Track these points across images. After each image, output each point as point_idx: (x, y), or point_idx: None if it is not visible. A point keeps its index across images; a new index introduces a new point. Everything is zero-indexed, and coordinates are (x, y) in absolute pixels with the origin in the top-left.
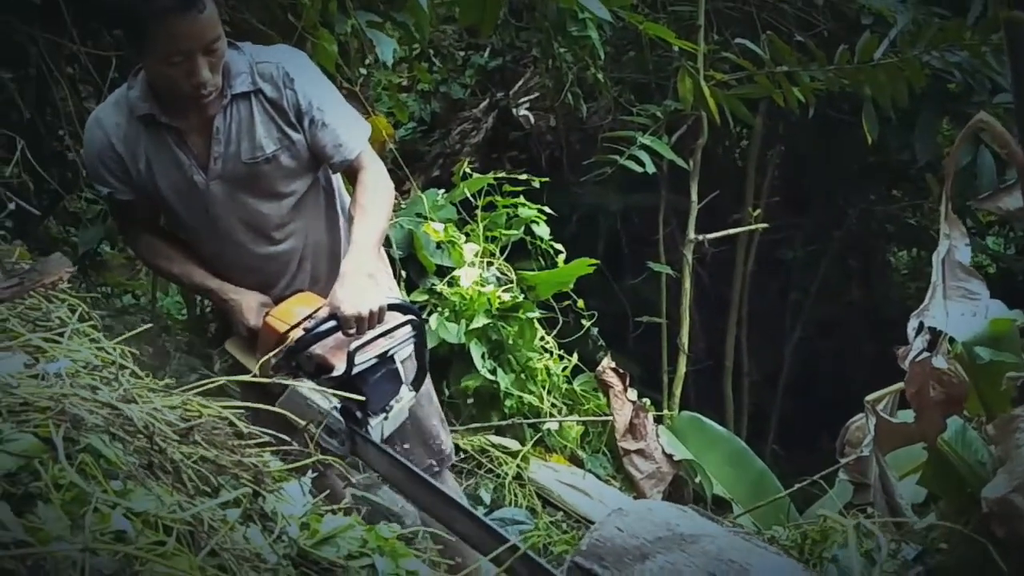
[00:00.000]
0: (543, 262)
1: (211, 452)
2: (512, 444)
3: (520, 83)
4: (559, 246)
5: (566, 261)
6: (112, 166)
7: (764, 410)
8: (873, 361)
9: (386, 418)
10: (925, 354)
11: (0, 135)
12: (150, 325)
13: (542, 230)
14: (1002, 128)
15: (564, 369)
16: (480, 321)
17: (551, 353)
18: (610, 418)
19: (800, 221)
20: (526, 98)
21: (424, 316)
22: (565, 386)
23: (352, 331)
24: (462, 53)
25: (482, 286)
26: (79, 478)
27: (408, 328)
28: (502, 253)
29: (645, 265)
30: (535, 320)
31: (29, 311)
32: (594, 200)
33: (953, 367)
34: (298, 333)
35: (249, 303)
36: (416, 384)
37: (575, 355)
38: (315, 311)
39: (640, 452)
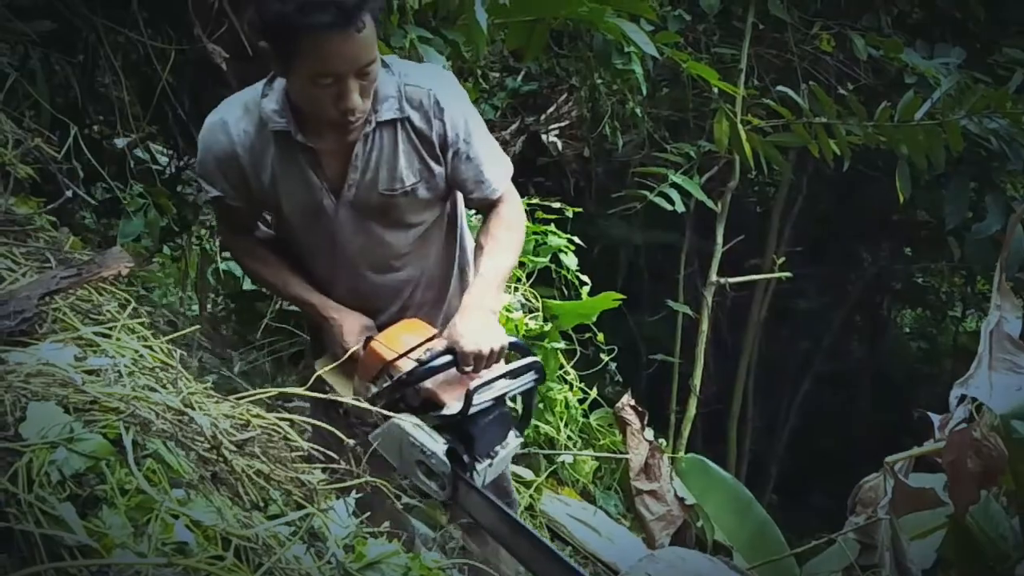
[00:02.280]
0: (566, 292)
1: (267, 466)
2: (526, 474)
3: (552, 109)
4: (585, 277)
5: (589, 294)
6: (230, 173)
7: (763, 458)
8: (872, 419)
9: (491, 464)
10: (965, 424)
11: (49, 119)
12: (197, 327)
13: (570, 260)
14: None
15: (582, 402)
16: None
17: (571, 385)
18: (625, 456)
19: (815, 272)
20: (556, 125)
21: None
22: (582, 419)
23: (469, 368)
24: (496, 75)
25: (510, 312)
26: (146, 484)
27: (530, 372)
28: (528, 279)
29: (663, 303)
30: (558, 351)
31: (80, 302)
32: (617, 234)
33: (992, 439)
34: (408, 364)
35: (352, 325)
36: (521, 429)
37: (594, 389)
38: (426, 341)
39: (653, 493)
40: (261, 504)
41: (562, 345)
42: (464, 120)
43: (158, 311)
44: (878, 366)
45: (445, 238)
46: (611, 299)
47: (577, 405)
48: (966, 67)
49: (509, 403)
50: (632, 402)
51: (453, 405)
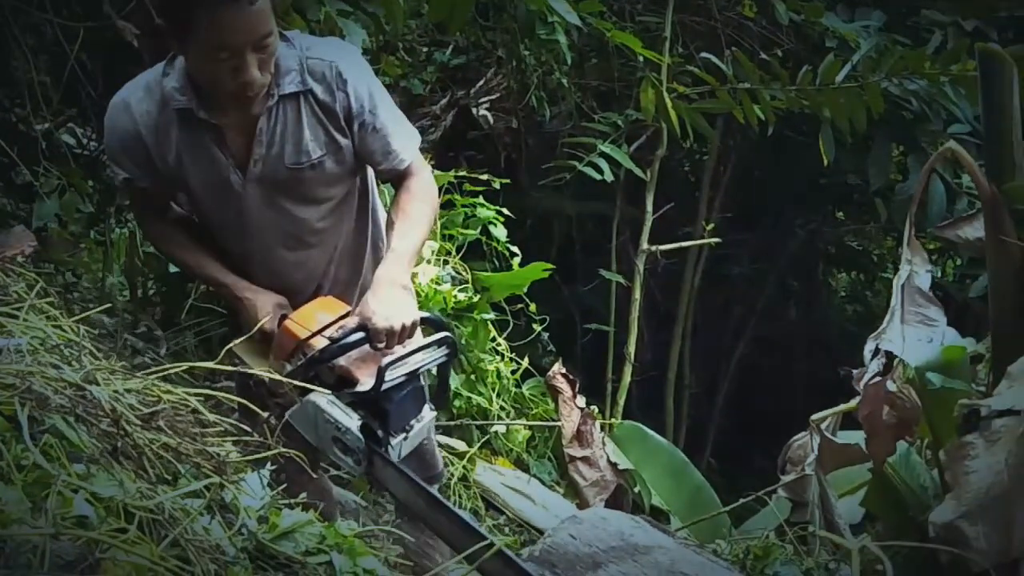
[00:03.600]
0: (497, 264)
1: (174, 439)
2: (459, 445)
3: (481, 83)
4: (515, 249)
5: (520, 265)
6: (135, 154)
7: (702, 423)
8: (808, 381)
9: (406, 438)
10: (880, 377)
11: None
12: (109, 305)
13: (499, 232)
14: (970, 159)
15: (514, 372)
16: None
17: (502, 356)
18: (558, 424)
19: (747, 238)
20: (486, 98)
21: None
22: (514, 389)
23: (382, 345)
24: (425, 49)
25: (438, 284)
26: (43, 459)
27: (443, 347)
28: (458, 252)
29: (596, 272)
30: (489, 322)
31: None
32: (549, 205)
33: (907, 391)
34: (321, 342)
35: (264, 303)
36: (438, 403)
37: (525, 359)
38: (339, 319)
39: (586, 460)
40: (169, 478)
41: (492, 316)
42: (368, 92)
43: (86, 294)
44: (813, 329)
45: (357, 213)
46: (541, 269)
47: (510, 376)
48: (887, 30)
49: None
50: (563, 370)
51: (366, 382)
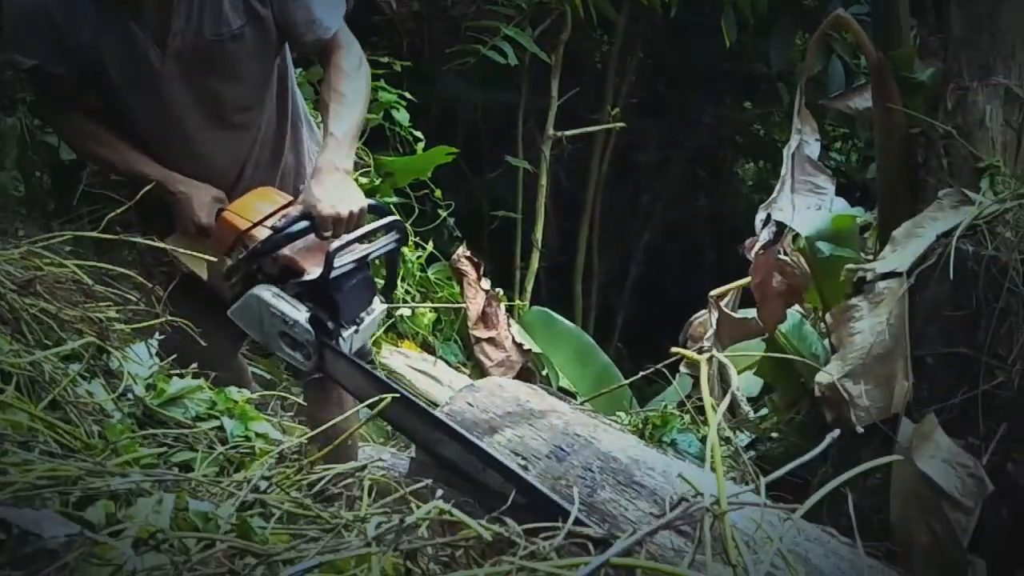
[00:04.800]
0: (401, 150)
1: (53, 305)
2: None
3: None
4: (418, 133)
5: (424, 151)
6: (44, 34)
7: (611, 309)
8: (715, 266)
9: (357, 330)
10: (770, 246)
11: None
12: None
13: (402, 116)
14: (858, 26)
15: (419, 257)
16: None
17: (407, 240)
18: (463, 306)
19: (655, 125)
20: None
21: None
22: (419, 274)
23: (328, 233)
24: None
25: None
26: None
27: (392, 232)
28: (360, 138)
29: (503, 159)
30: (392, 206)
31: None
32: (454, 91)
33: (796, 259)
34: (263, 232)
35: (201, 197)
36: (387, 294)
37: (430, 244)
38: (281, 208)
39: (491, 340)
40: (50, 343)
41: (396, 201)
42: None
43: None
44: (720, 216)
45: (278, 92)
46: (444, 153)
47: (415, 260)
48: None
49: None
50: (468, 253)
51: (313, 271)
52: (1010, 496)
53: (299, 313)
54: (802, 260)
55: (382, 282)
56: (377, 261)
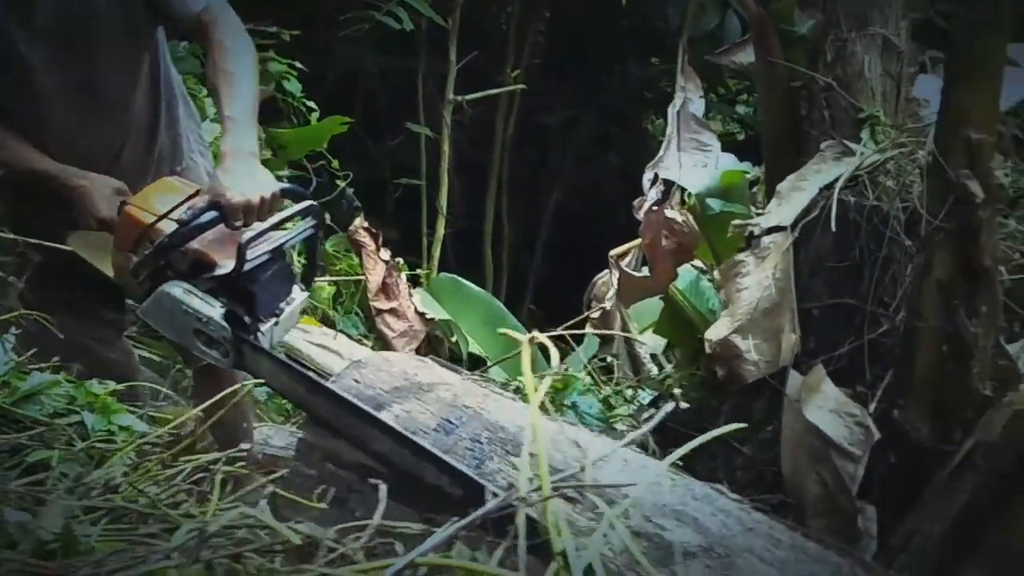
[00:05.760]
0: (296, 121)
1: None
2: None
3: None
4: (312, 104)
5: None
6: None
7: (523, 272)
8: (627, 226)
9: (277, 323)
10: (659, 205)
11: None
12: None
13: (293, 86)
14: None
15: None
16: None
17: None
18: (361, 278)
19: (561, 86)
20: None
21: None
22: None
23: (239, 222)
24: None
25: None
26: None
27: (308, 218)
28: None
29: (404, 127)
30: (284, 179)
31: None
32: (352, 60)
33: (685, 217)
34: (170, 225)
35: (101, 190)
36: (307, 282)
37: (326, 215)
38: (188, 199)
39: (393, 311)
40: None
41: (286, 174)
42: None
43: None
44: (631, 173)
45: (149, 71)
46: (339, 123)
47: None
48: None
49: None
50: (365, 224)
51: (226, 264)
52: (897, 442)
53: (213, 309)
54: (690, 218)
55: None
56: (294, 248)
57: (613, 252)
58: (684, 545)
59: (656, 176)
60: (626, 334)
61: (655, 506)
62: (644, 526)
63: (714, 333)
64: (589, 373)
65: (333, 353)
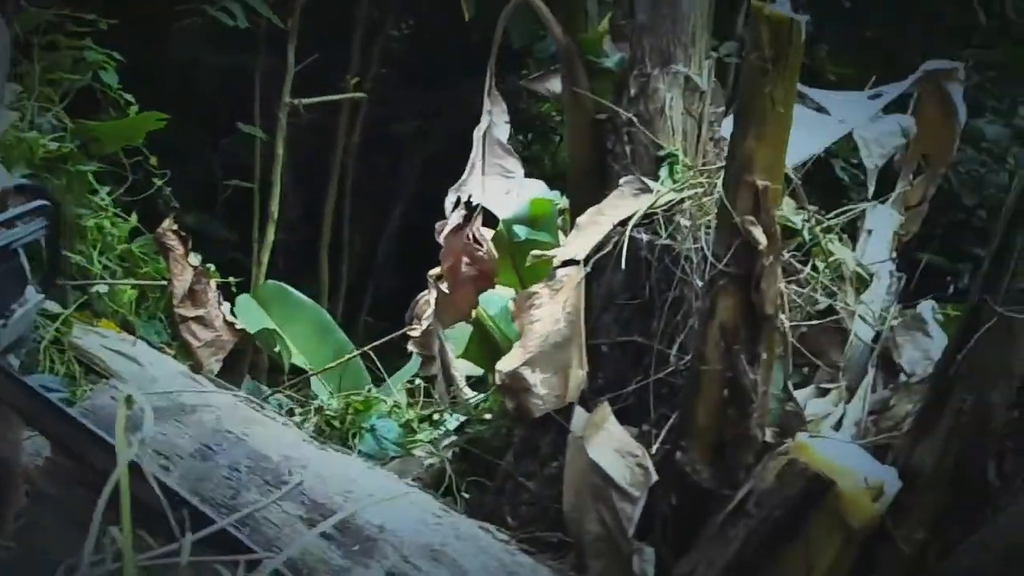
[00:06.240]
0: (113, 115)
1: None
2: (52, 306)
3: None
4: (129, 96)
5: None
6: None
7: (361, 282)
8: None
9: (5, 325)
10: (459, 229)
11: None
12: None
13: (110, 77)
14: (546, 9)
15: (120, 228)
16: (20, 171)
17: (105, 210)
18: (162, 283)
19: (410, 95)
20: None
21: None
22: (121, 247)
23: None
24: None
25: (24, 132)
26: None
27: (40, 219)
28: (62, 100)
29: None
30: (88, 174)
31: None
32: (186, 54)
33: (484, 242)
34: None
35: None
36: (45, 284)
37: (133, 215)
38: None
39: (199, 319)
40: None
41: (93, 168)
42: None
43: None
44: None
45: None
46: (154, 118)
47: (115, 232)
48: None
49: None
50: (175, 227)
51: None
52: (679, 483)
53: None
54: (490, 244)
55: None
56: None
57: (432, 272)
58: None
59: (458, 199)
60: (429, 355)
61: (415, 545)
62: (401, 567)
63: (505, 364)
64: (401, 392)
65: (131, 360)
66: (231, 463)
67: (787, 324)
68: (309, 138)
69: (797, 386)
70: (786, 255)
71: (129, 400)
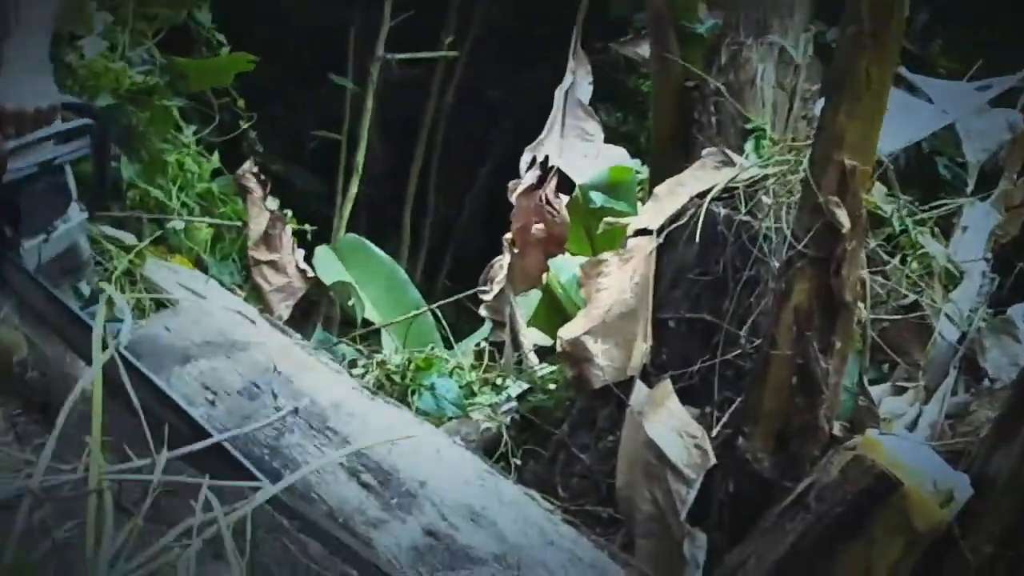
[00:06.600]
0: (205, 54)
1: None
2: (128, 238)
3: None
4: (222, 37)
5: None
6: None
7: (444, 244)
8: None
9: (47, 240)
10: (532, 190)
11: None
12: None
13: (204, 16)
14: None
15: (202, 167)
16: (105, 100)
17: (188, 147)
18: (236, 224)
19: (508, 60)
20: None
21: None
22: (201, 186)
23: (10, 131)
24: None
25: (112, 62)
26: None
27: (85, 136)
28: (155, 36)
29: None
30: (172, 109)
31: None
32: (286, 4)
33: (557, 205)
34: None
35: None
36: (93, 203)
37: (215, 155)
38: None
39: (272, 264)
40: None
41: (176, 103)
42: None
43: None
44: None
45: None
46: (245, 60)
47: (196, 170)
48: None
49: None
50: (255, 169)
51: None
52: (737, 470)
53: None
54: (563, 207)
55: None
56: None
57: (508, 235)
58: (473, 550)
59: (534, 159)
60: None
61: (456, 504)
62: (438, 524)
63: (567, 331)
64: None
65: (200, 297)
66: (277, 403)
67: (868, 316)
68: (400, 96)
69: (873, 382)
70: (872, 243)
71: (110, 301)
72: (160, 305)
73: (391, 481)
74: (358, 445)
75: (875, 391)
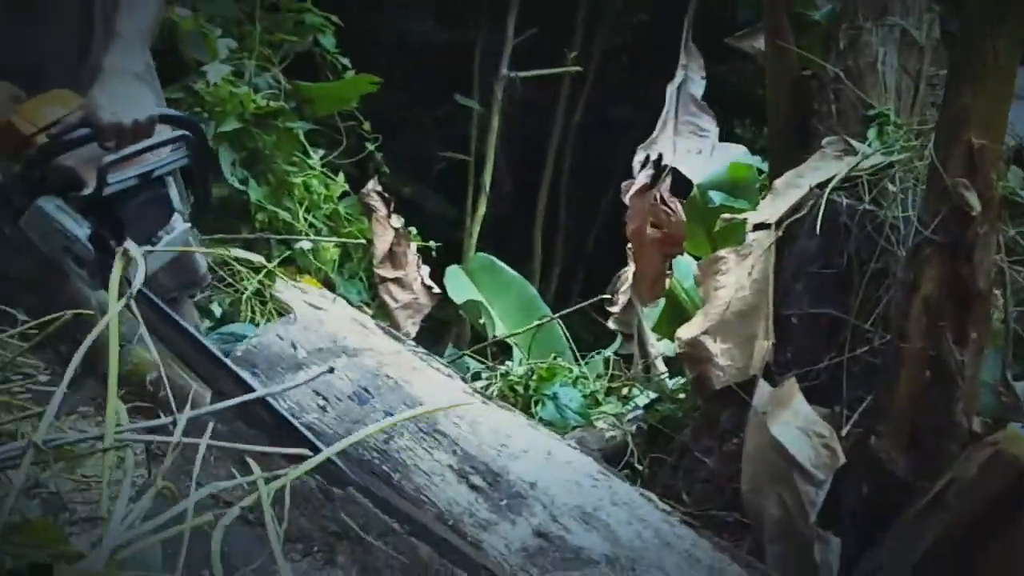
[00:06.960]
0: (330, 78)
1: None
2: (257, 259)
3: None
4: (346, 60)
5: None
6: None
7: (576, 265)
8: None
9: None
10: (646, 190)
11: None
12: None
13: (328, 41)
14: None
15: (329, 189)
16: (230, 125)
17: (314, 169)
18: (361, 242)
19: (636, 80)
20: None
21: None
22: (328, 206)
23: (110, 143)
24: None
25: (235, 87)
26: None
27: (183, 147)
28: (282, 63)
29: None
30: (298, 132)
31: None
32: (409, 27)
33: (673, 205)
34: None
35: None
36: (193, 217)
37: (340, 175)
38: (70, 113)
39: (398, 281)
40: None
41: (300, 125)
42: None
43: None
44: None
45: None
46: (368, 82)
47: (323, 191)
48: None
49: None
50: (379, 188)
51: (93, 184)
52: (870, 471)
53: (80, 229)
54: (679, 206)
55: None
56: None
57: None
58: (584, 551)
59: (647, 158)
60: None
61: (567, 506)
62: (548, 526)
63: (685, 331)
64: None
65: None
66: (387, 408)
67: (1011, 308)
68: (526, 116)
69: (1018, 377)
70: (1012, 231)
71: (126, 253)
72: None
73: (500, 482)
74: (421, 409)
75: (1020, 387)
